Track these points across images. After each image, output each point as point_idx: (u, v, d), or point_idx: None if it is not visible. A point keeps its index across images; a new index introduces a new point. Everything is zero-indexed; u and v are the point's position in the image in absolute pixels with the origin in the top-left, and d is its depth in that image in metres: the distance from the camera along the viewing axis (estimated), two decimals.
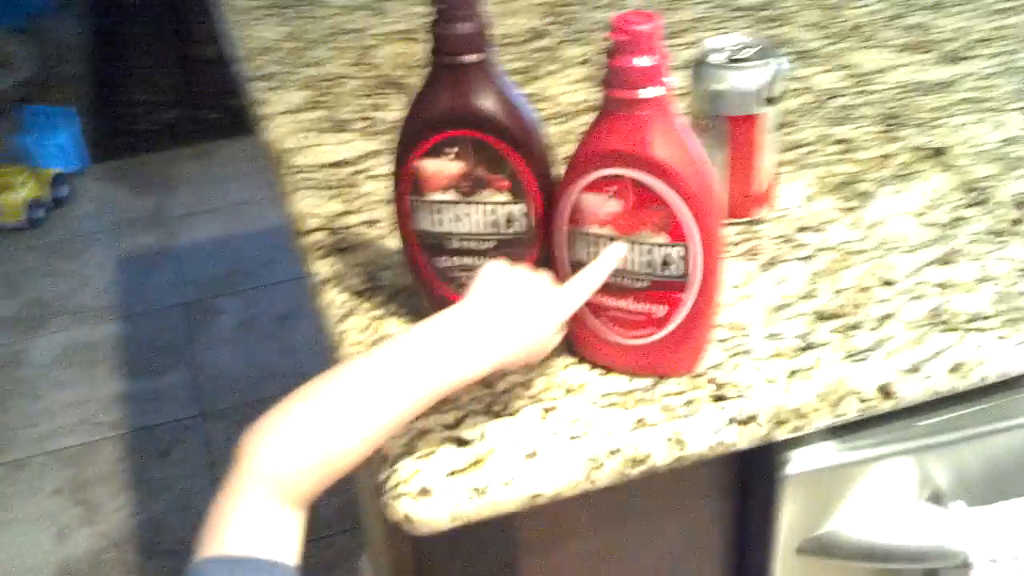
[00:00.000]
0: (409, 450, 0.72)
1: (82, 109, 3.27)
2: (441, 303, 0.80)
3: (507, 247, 0.77)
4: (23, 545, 1.96)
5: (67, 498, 2.07)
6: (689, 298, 0.73)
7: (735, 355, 0.78)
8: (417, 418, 0.73)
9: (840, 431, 0.79)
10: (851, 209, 0.93)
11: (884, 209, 0.93)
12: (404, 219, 0.78)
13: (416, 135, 0.75)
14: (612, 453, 0.72)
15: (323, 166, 1.05)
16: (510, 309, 0.69)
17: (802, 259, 0.87)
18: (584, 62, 1.22)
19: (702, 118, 0.89)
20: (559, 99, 1.15)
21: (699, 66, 0.88)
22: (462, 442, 0.72)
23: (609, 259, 0.72)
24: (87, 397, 2.33)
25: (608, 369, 0.77)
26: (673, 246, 0.71)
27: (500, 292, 0.69)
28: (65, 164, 3.01)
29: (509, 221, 0.76)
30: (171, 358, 2.44)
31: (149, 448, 2.16)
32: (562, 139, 1.04)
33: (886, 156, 1.01)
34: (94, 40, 3.77)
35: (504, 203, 0.75)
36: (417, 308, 0.84)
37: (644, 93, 0.67)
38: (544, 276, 0.71)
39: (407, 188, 0.77)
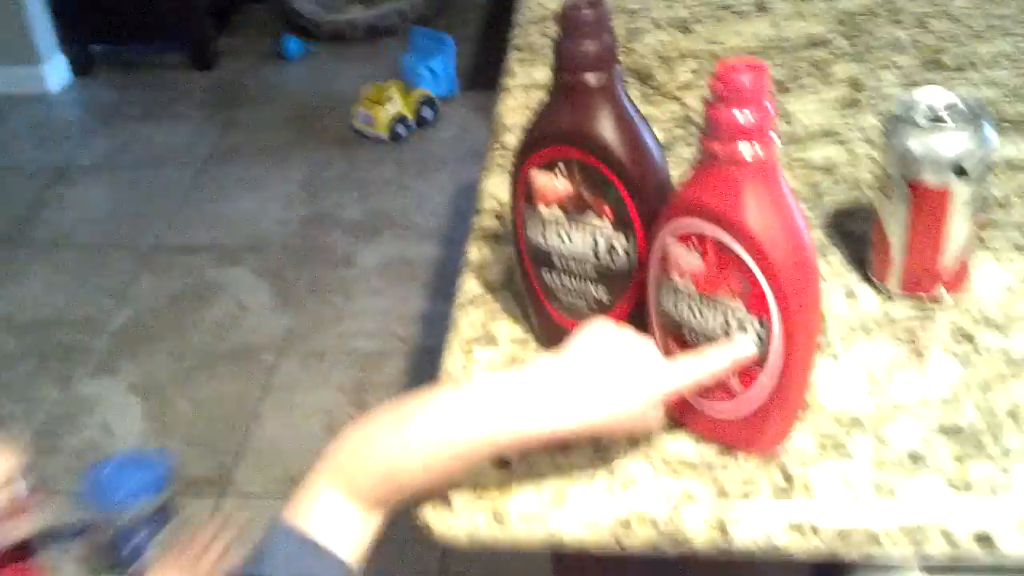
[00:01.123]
0: None
1: (465, 38, 3.46)
2: (544, 316, 0.80)
3: (607, 278, 0.74)
4: (296, 428, 2.17)
5: (346, 396, 2.25)
6: (766, 379, 0.66)
7: (825, 449, 0.70)
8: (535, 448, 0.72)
9: (937, 570, 0.69)
10: None
11: None
12: (518, 227, 0.77)
13: (530, 146, 0.73)
14: (647, 520, 0.67)
15: None
16: (605, 374, 0.65)
17: (961, 359, 0.76)
18: (851, 84, 1.12)
19: (887, 178, 0.79)
20: (798, 119, 1.06)
21: (893, 120, 0.78)
22: (503, 462, 0.71)
23: (731, 352, 0.66)
24: (391, 309, 2.50)
25: (680, 426, 0.72)
26: (751, 319, 0.64)
27: (599, 354, 0.66)
28: (437, 88, 3.20)
29: (611, 251, 0.73)
30: None
31: (428, 369, 2.29)
32: None
33: None
34: None
35: (606, 231, 0.72)
36: (527, 318, 0.82)
37: (740, 149, 0.61)
38: (650, 346, 0.67)
39: (521, 196, 0.75)
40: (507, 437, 0.64)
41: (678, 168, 0.74)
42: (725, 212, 0.63)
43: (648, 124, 0.71)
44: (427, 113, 3.14)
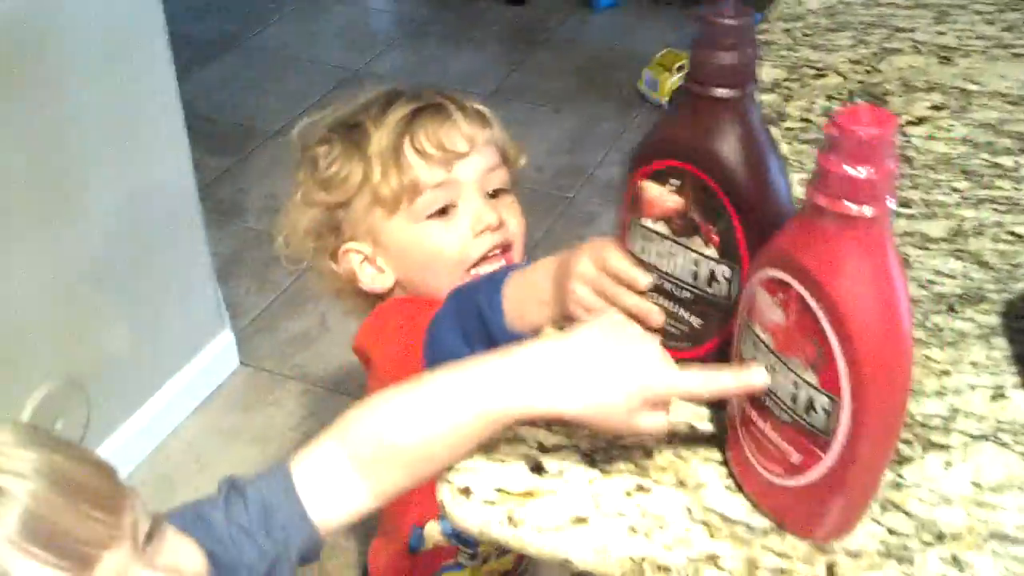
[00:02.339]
0: (489, 446, 0.69)
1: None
2: None
3: (704, 307, 0.68)
4: None
5: None
6: (827, 461, 0.59)
7: (890, 555, 0.62)
8: (521, 424, 0.70)
9: None
10: None
11: None
12: (622, 235, 0.72)
13: (647, 153, 0.68)
14: (662, 569, 0.62)
15: None
16: (596, 364, 0.64)
17: None
18: None
19: None
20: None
21: None
22: (537, 468, 0.68)
23: (740, 379, 0.62)
24: None
25: (737, 485, 0.66)
26: (820, 392, 0.57)
27: (597, 344, 0.65)
28: None
29: (712, 280, 0.67)
30: None
31: None
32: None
33: None
34: None
35: (710, 258, 0.66)
36: None
37: (847, 207, 0.54)
38: (654, 346, 0.64)
39: (627, 205, 0.70)
40: (494, 412, 0.65)
41: None
42: (813, 270, 0.56)
43: (780, 155, 0.65)
44: None
